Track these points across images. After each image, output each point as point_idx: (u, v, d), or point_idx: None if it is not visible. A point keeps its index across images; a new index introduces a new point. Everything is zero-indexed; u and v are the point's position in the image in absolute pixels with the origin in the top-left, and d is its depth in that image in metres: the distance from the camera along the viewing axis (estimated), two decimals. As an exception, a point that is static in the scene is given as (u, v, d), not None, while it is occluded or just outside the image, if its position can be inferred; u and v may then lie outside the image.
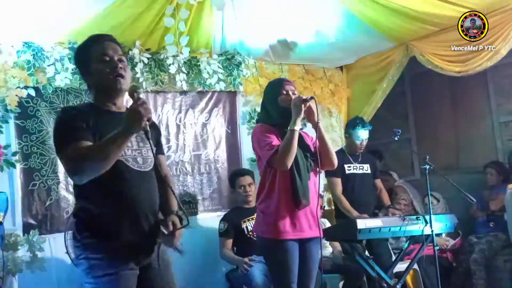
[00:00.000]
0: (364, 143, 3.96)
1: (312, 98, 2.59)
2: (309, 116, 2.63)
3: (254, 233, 2.81)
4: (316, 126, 2.61)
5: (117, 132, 1.72)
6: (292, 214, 2.58)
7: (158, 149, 2.08)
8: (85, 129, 1.80)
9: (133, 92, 1.77)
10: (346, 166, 3.93)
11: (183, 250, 1.99)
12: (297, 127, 2.53)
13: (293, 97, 2.64)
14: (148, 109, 1.74)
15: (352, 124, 3.98)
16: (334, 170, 3.83)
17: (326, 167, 2.77)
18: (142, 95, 1.77)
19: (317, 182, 2.68)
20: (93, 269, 1.80)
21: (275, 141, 2.59)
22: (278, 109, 2.67)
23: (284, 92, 2.68)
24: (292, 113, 2.55)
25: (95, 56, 1.91)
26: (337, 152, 4.11)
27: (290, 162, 2.52)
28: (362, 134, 3.92)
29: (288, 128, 2.54)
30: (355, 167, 3.97)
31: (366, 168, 4.01)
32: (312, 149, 2.69)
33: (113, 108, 1.93)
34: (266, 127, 2.67)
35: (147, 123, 1.75)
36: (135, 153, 1.90)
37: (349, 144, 4.03)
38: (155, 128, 2.10)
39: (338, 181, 3.89)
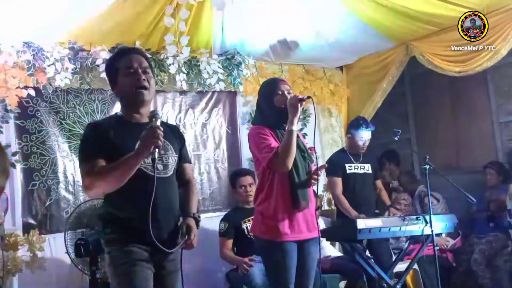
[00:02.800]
0: (367, 143, 3.95)
1: (309, 97, 2.56)
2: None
3: (251, 234, 2.80)
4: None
5: (129, 155, 1.87)
6: (291, 216, 2.57)
7: (184, 158, 2.25)
8: (103, 146, 1.95)
9: (152, 117, 1.90)
10: (347, 165, 3.92)
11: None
12: (295, 127, 2.50)
13: (288, 96, 2.60)
14: (157, 138, 1.85)
15: (355, 125, 3.96)
16: (334, 169, 3.86)
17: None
18: (159, 122, 1.90)
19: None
20: (112, 260, 1.97)
21: (274, 142, 2.57)
22: (273, 110, 2.64)
23: (280, 92, 2.64)
24: (288, 113, 2.52)
25: (121, 69, 2.05)
26: (339, 152, 4.13)
27: (290, 163, 2.50)
28: (365, 135, 3.91)
29: (286, 128, 2.51)
30: (356, 167, 3.96)
31: (367, 168, 4.00)
32: (308, 149, 2.68)
33: (137, 118, 2.07)
34: (262, 129, 2.64)
35: (156, 150, 1.87)
36: (154, 161, 1.94)
37: (350, 144, 4.02)
38: (180, 138, 2.27)
39: (338, 181, 3.89)
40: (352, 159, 3.97)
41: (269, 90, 2.70)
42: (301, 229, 2.59)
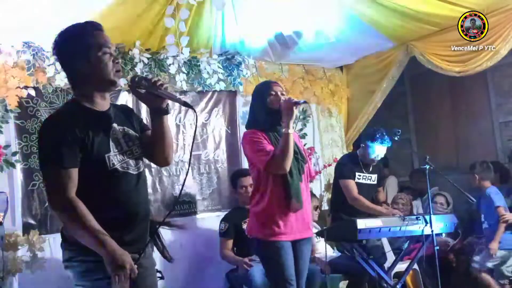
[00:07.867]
0: (378, 158, 3.88)
1: (305, 102, 2.63)
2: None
3: (248, 234, 2.83)
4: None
5: (100, 246, 1.67)
6: (285, 216, 2.61)
7: (146, 127, 2.01)
8: (72, 145, 1.71)
9: (134, 79, 1.84)
10: (357, 174, 3.89)
11: (172, 258, 2.06)
12: (291, 130, 2.53)
13: (282, 98, 2.63)
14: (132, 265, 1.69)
15: (371, 136, 3.81)
16: (348, 173, 3.83)
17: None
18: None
19: (308, 184, 2.74)
20: (89, 272, 1.77)
21: (269, 146, 2.60)
22: (266, 111, 2.67)
23: (273, 93, 2.67)
24: (283, 116, 2.54)
25: (97, 45, 1.76)
26: (351, 156, 4.07)
27: (288, 166, 2.54)
28: (378, 150, 3.80)
29: (283, 131, 2.54)
30: (364, 177, 3.93)
31: (373, 179, 3.98)
32: (303, 151, 2.73)
33: (99, 105, 1.83)
34: (255, 133, 2.67)
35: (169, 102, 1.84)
36: (125, 156, 1.84)
37: (363, 153, 3.92)
38: (134, 115, 2.02)
39: (352, 183, 3.83)
40: (363, 169, 3.92)
41: (262, 91, 2.74)
42: (294, 229, 2.64)
